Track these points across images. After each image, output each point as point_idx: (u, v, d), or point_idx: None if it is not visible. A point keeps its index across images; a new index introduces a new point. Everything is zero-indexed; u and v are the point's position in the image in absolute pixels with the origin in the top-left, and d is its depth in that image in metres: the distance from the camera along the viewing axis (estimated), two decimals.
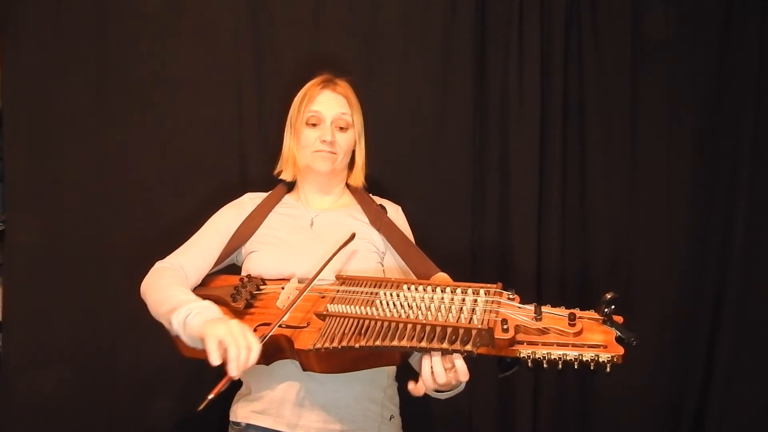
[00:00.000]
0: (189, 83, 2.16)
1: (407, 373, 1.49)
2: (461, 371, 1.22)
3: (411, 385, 1.30)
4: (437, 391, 1.32)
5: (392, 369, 1.64)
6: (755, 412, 2.24)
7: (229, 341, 1.24)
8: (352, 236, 1.53)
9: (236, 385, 1.59)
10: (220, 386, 1.21)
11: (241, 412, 1.57)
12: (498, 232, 2.22)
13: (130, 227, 2.15)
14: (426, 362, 1.25)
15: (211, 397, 1.19)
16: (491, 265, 2.21)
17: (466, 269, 2.19)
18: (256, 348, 1.25)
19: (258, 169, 2.13)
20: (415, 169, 2.21)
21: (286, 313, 1.37)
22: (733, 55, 2.23)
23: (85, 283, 2.14)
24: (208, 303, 1.40)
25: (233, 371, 1.22)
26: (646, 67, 2.25)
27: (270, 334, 1.32)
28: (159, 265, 1.58)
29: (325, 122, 1.65)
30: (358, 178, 1.74)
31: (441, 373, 1.24)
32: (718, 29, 2.24)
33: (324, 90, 1.68)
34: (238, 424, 1.57)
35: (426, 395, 1.32)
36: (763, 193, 2.22)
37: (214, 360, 1.24)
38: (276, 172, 1.75)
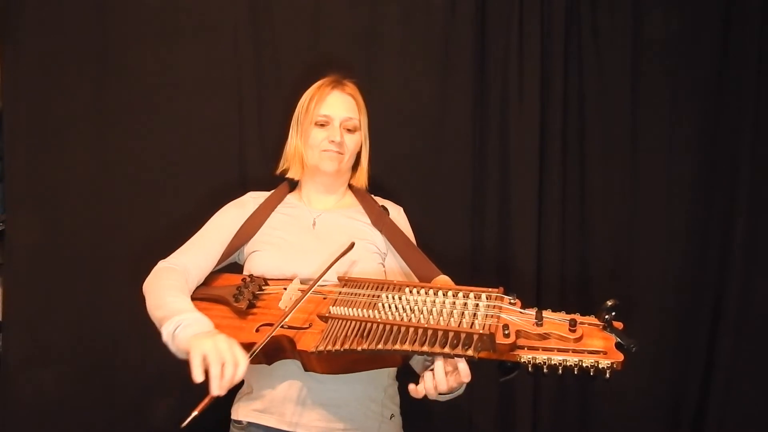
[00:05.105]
0: (189, 83, 2.15)
1: (408, 372, 1.51)
2: (463, 373, 1.23)
3: (412, 387, 1.30)
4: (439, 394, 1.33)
5: (393, 368, 1.64)
6: (755, 412, 2.24)
7: (213, 358, 1.22)
8: (352, 245, 1.53)
9: (238, 383, 1.59)
10: (204, 404, 1.19)
11: (242, 410, 1.57)
12: (498, 233, 2.22)
13: (130, 227, 2.14)
14: (428, 371, 1.27)
15: (195, 414, 1.17)
16: (491, 266, 2.21)
17: (466, 271, 2.19)
18: (243, 364, 1.24)
19: (258, 169, 2.13)
20: (415, 170, 2.21)
21: (281, 321, 1.36)
22: (732, 55, 2.23)
23: (86, 282, 2.13)
24: (199, 315, 1.38)
25: (215, 390, 1.21)
26: (646, 67, 2.25)
27: (258, 347, 1.31)
28: (161, 264, 1.58)
29: (333, 123, 1.65)
30: (362, 179, 1.75)
31: (442, 380, 1.26)
32: (718, 29, 2.24)
33: (333, 90, 1.68)
34: (239, 422, 1.57)
35: (425, 397, 1.33)
36: (763, 193, 2.23)
37: (197, 376, 1.22)
38: (280, 170, 1.74)
